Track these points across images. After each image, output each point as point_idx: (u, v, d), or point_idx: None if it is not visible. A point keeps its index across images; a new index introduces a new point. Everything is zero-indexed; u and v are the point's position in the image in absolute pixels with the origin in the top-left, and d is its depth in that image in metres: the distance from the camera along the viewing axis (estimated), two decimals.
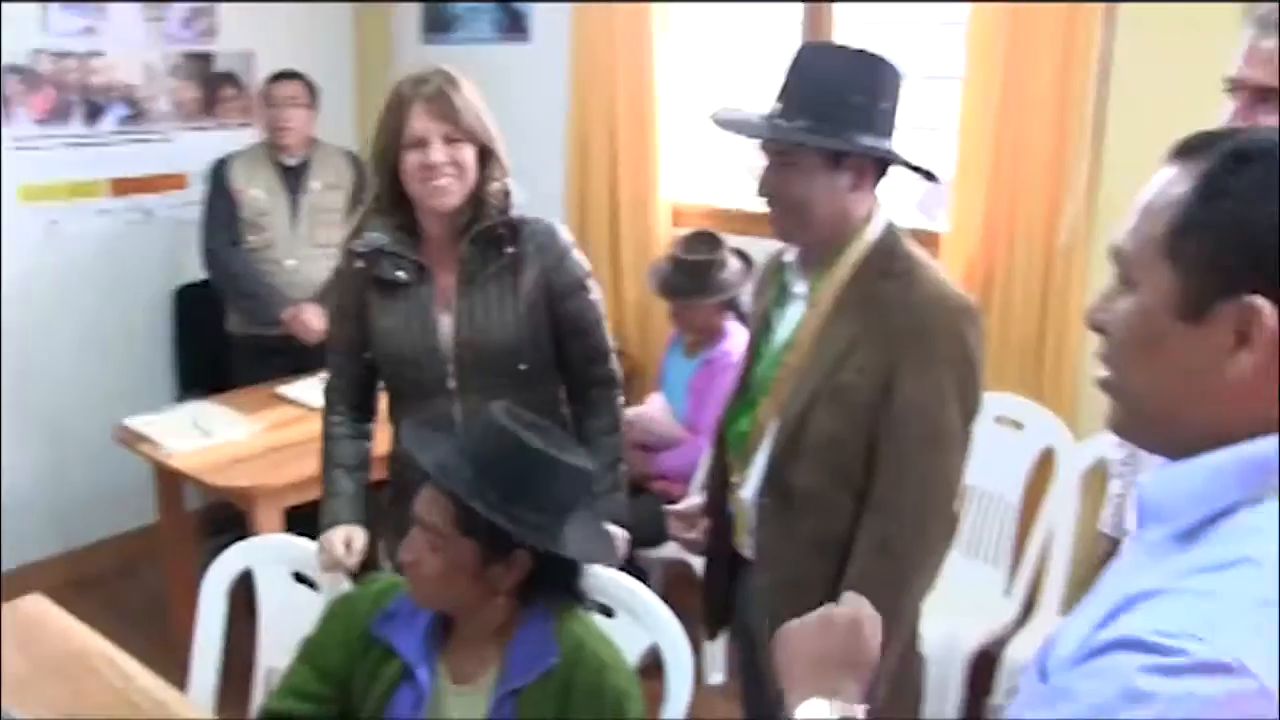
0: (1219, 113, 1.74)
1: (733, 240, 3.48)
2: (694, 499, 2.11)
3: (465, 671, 1.69)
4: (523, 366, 2.16)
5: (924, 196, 3.89)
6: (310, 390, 3.49)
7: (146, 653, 2.13)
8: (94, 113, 4.06)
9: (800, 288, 1.88)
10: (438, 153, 2.05)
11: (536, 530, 1.60)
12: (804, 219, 1.80)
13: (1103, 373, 1.01)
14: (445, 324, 2.15)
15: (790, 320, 1.89)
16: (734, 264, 3.43)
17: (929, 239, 3.32)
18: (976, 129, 3.06)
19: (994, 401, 3.03)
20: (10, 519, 3.87)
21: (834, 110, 1.72)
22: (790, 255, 1.93)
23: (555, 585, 1.69)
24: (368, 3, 4.71)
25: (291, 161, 3.80)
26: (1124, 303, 0.96)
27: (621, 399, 2.32)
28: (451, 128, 2.06)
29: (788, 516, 1.86)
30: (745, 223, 3.74)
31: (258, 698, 2.23)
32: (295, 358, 3.69)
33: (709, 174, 4.07)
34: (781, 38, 3.66)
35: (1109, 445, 2.32)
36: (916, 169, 1.81)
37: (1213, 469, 0.91)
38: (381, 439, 2.39)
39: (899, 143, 1.81)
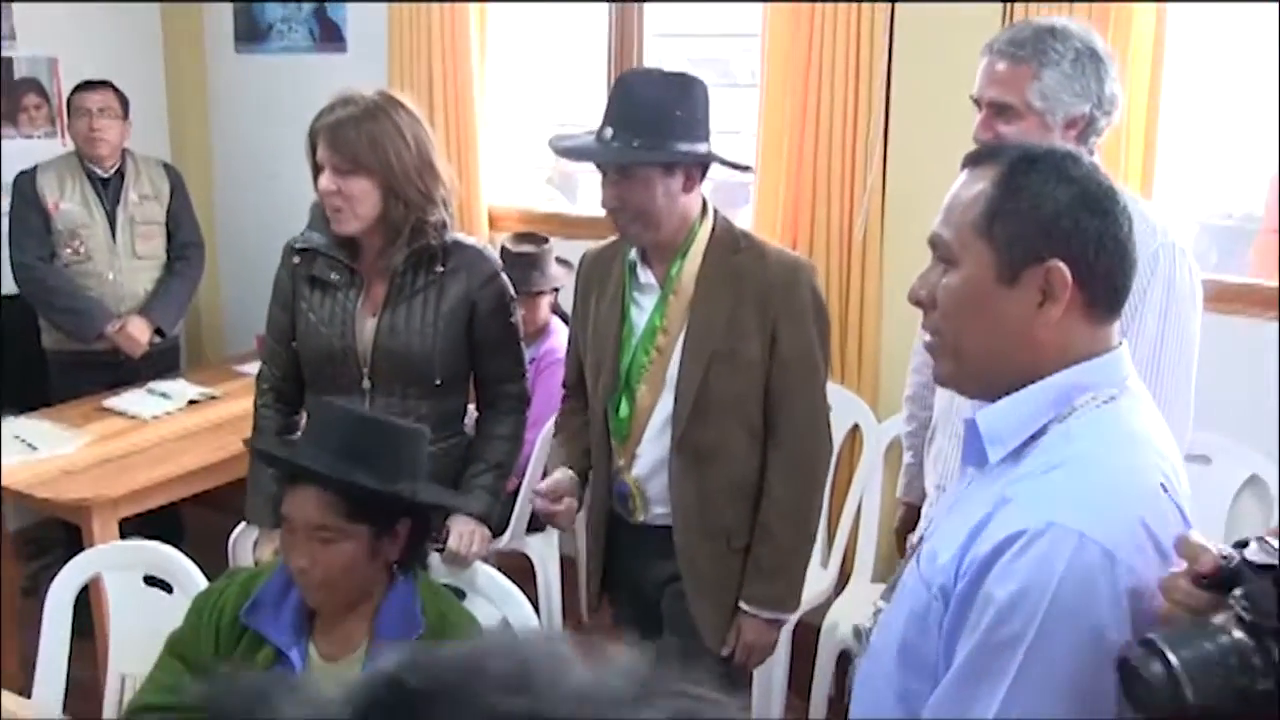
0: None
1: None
2: (555, 476, 2.25)
3: (335, 648, 1.79)
4: (437, 380, 2.29)
5: (718, 194, 4.14)
6: (139, 402, 3.48)
7: None
8: None
9: (649, 279, 2.12)
10: (325, 180, 2.17)
11: (411, 494, 1.74)
12: (649, 222, 2.03)
13: (930, 338, 1.28)
14: (367, 327, 2.27)
15: (646, 309, 2.13)
16: (557, 263, 3.58)
17: None
18: (776, 131, 3.29)
19: None
20: None
21: (660, 126, 1.98)
22: (633, 252, 2.14)
23: (418, 549, 1.82)
24: (176, 4, 4.64)
25: (104, 173, 3.73)
26: (948, 278, 1.23)
27: (526, 417, 2.47)
28: (340, 159, 2.15)
29: (699, 471, 2.11)
30: (560, 225, 3.94)
31: (110, 701, 2.25)
32: (118, 372, 3.66)
33: (522, 177, 4.21)
34: (590, 37, 3.85)
35: (901, 419, 2.58)
36: (734, 165, 2.14)
37: (1031, 399, 1.21)
38: None
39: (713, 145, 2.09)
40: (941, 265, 1.25)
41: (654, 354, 2.11)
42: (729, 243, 2.10)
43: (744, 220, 3.50)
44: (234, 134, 4.70)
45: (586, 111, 3.92)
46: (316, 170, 2.22)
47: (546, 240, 3.61)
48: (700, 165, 2.06)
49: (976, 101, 2.04)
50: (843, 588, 3.17)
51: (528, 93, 4.15)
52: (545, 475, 2.34)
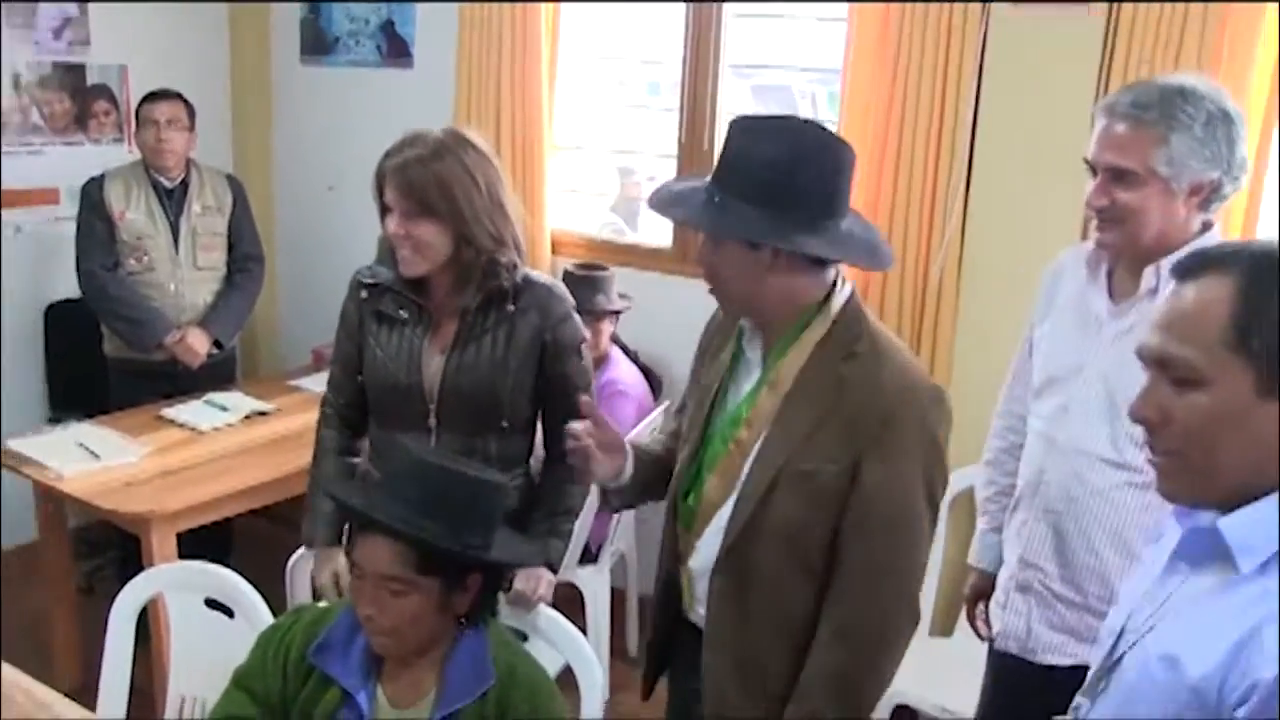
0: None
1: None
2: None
3: (403, 695, 1.75)
4: (504, 423, 2.24)
5: None
6: (197, 413, 3.49)
7: (28, 673, 2.10)
8: None
9: (755, 356, 1.82)
10: (394, 225, 2.13)
11: (485, 549, 1.70)
12: (729, 295, 1.76)
13: (1160, 458, 1.24)
14: (434, 365, 2.22)
15: (742, 390, 1.82)
16: (618, 297, 3.58)
17: None
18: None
19: None
20: None
21: (750, 187, 1.65)
22: (746, 321, 1.84)
23: (490, 602, 1.78)
24: (244, 14, 4.67)
25: (169, 183, 3.75)
26: (1195, 398, 1.18)
27: None
28: (409, 204, 2.11)
29: (743, 597, 1.79)
30: (622, 253, 3.91)
31: None
32: (176, 381, 3.68)
33: (587, 203, 4.19)
34: (663, 66, 3.82)
35: (979, 482, 2.47)
36: (835, 259, 1.73)
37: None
38: None
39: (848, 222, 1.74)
40: (1172, 383, 1.20)
41: (732, 446, 1.79)
42: (845, 344, 1.72)
43: None
44: (297, 146, 4.72)
45: (653, 139, 3.92)
46: (384, 210, 2.18)
47: (607, 269, 3.61)
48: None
49: (1090, 165, 1.94)
50: None
51: (596, 114, 4.13)
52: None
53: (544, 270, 3.96)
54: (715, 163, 1.72)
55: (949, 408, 1.75)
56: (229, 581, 2.19)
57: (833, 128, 3.19)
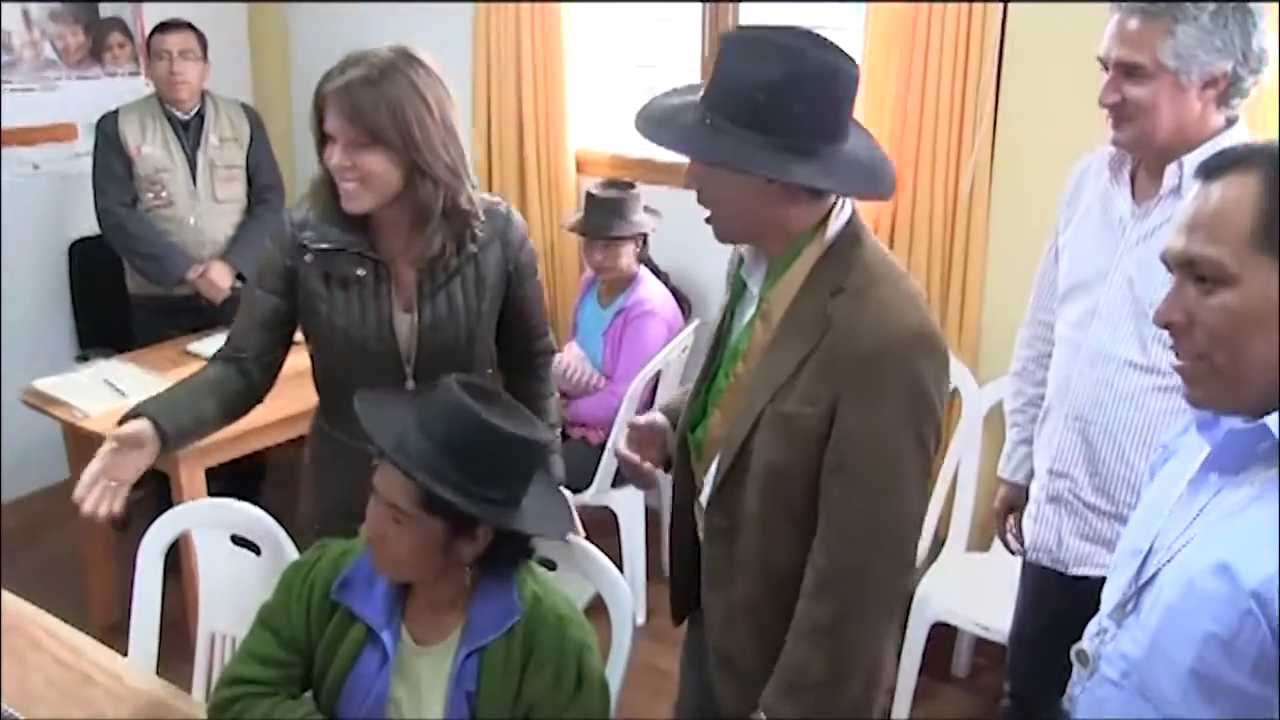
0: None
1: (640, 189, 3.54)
2: (649, 416, 1.93)
3: (428, 632, 1.73)
4: (478, 360, 2.13)
5: None
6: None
7: (62, 613, 2.12)
8: None
9: (754, 287, 1.72)
10: (336, 155, 1.90)
11: (500, 507, 1.64)
12: (723, 220, 1.65)
13: (1186, 362, 1.20)
14: (404, 323, 2.04)
15: (743, 322, 1.74)
16: (644, 211, 3.50)
17: None
18: (880, 76, 3.14)
19: None
20: None
21: (741, 111, 1.53)
22: (745, 248, 1.74)
23: (513, 550, 1.73)
24: None
25: (184, 116, 3.69)
26: (1221, 299, 1.15)
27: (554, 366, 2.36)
28: (356, 131, 1.88)
29: (732, 539, 1.73)
30: (650, 170, 3.80)
31: (200, 660, 2.25)
32: (200, 316, 3.66)
33: (612, 121, 4.10)
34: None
35: (1007, 394, 2.43)
36: (823, 190, 1.60)
37: None
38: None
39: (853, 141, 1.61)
40: (1197, 284, 1.17)
41: (732, 381, 1.72)
42: (835, 277, 1.60)
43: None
44: (314, 75, 4.61)
45: (678, 52, 3.80)
46: (322, 141, 1.94)
47: (633, 186, 3.53)
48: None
49: (1103, 62, 1.90)
50: (936, 556, 3.08)
51: (619, 30, 4.01)
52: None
53: (569, 191, 3.91)
54: (708, 80, 1.60)
55: (941, 350, 1.62)
56: (253, 518, 2.17)
57: (859, 39, 3.15)
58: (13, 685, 1.89)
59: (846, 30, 3.27)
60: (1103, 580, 1.41)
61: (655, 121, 1.65)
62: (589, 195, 3.50)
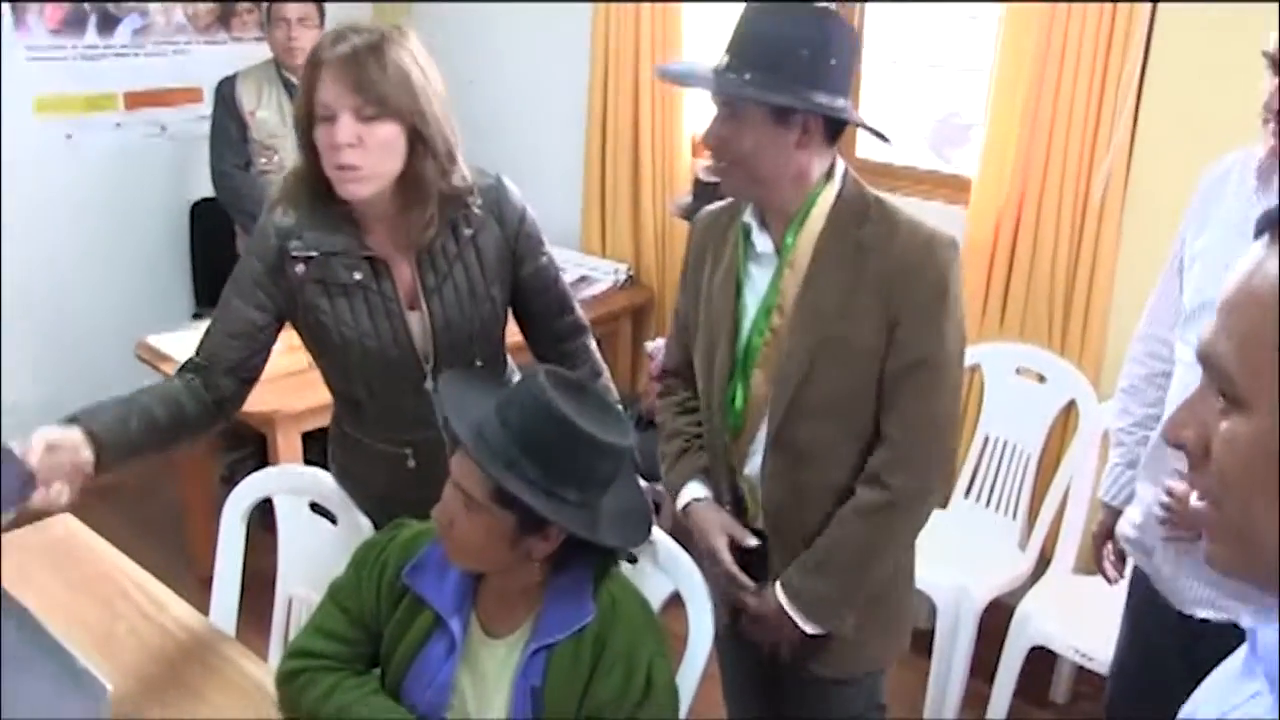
0: (1260, 84, 1.72)
1: None
2: (713, 520, 1.95)
3: (497, 624, 1.68)
4: (489, 348, 2.03)
5: (936, 135, 3.84)
6: None
7: (166, 561, 2.15)
8: (108, 24, 3.99)
9: (765, 247, 1.81)
10: (343, 131, 1.75)
11: (576, 510, 1.56)
12: (750, 173, 1.74)
13: (1199, 502, 0.83)
14: (415, 323, 1.94)
15: (761, 281, 1.83)
16: None
17: (955, 183, 3.28)
18: (1013, 70, 2.99)
19: (1017, 352, 3.02)
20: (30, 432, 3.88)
21: (781, 65, 1.66)
22: (748, 213, 1.83)
23: (588, 552, 1.65)
24: None
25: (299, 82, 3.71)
26: (1234, 426, 0.77)
27: (594, 343, 2.19)
28: (363, 101, 1.75)
29: (796, 474, 1.83)
30: None
31: (277, 623, 2.25)
32: None
33: None
34: None
35: (1113, 411, 2.24)
36: (868, 129, 1.77)
37: None
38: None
39: (855, 102, 1.80)
40: (1220, 397, 0.79)
41: (769, 335, 1.80)
42: (857, 211, 1.76)
43: (964, 164, 3.24)
44: (435, 40, 4.61)
45: None
46: (309, 122, 1.79)
47: None
48: (827, 120, 1.71)
49: (1270, 58, 1.69)
50: (1039, 575, 2.94)
51: (737, 10, 3.92)
52: (670, 479, 2.02)
53: (683, 174, 3.84)
54: (731, 41, 1.73)
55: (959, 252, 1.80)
56: (330, 487, 2.15)
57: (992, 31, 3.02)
58: (100, 630, 1.92)
59: (980, 19, 3.13)
60: (1219, 625, 1.28)
61: (678, 74, 1.83)
62: (696, 180, 3.43)
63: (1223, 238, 1.89)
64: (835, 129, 1.74)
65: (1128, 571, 2.10)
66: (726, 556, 1.90)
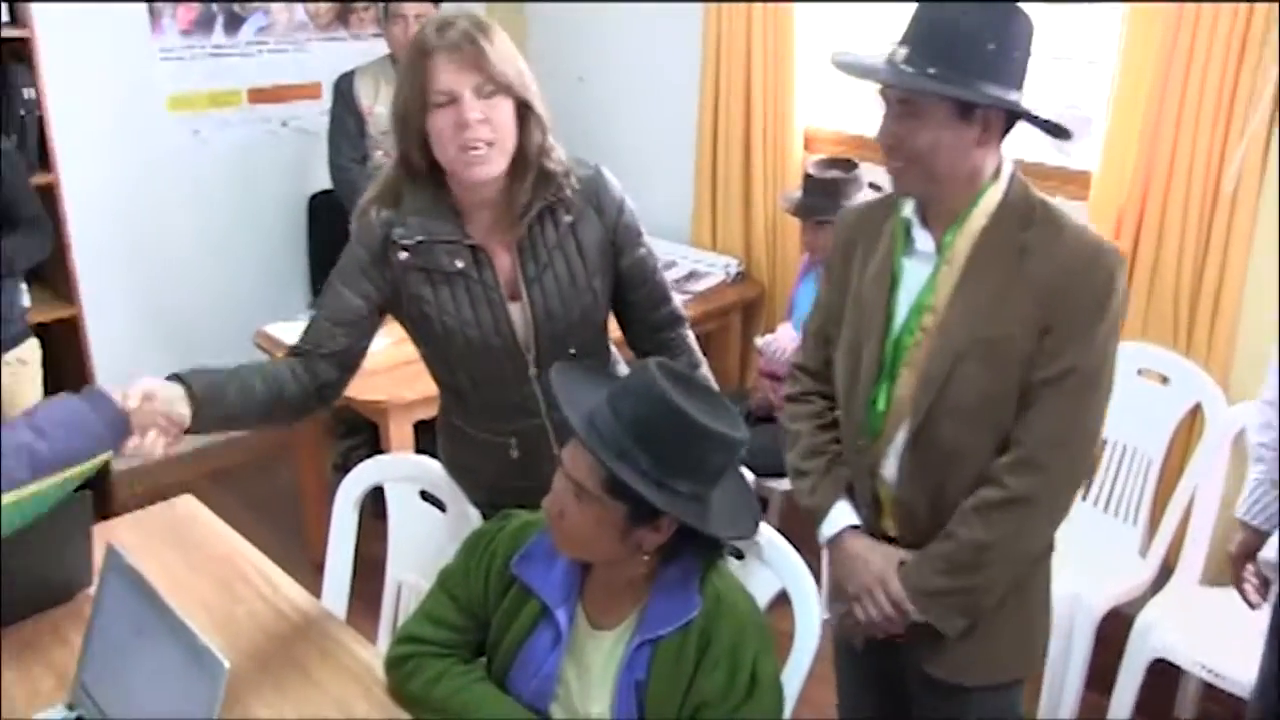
0: None
1: (867, 168, 3.38)
2: (862, 555, 1.88)
3: (604, 616, 1.68)
4: (590, 338, 2.04)
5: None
6: None
7: (280, 544, 2.19)
8: (234, 23, 4.11)
9: (925, 244, 1.77)
10: (471, 109, 1.79)
11: (687, 501, 1.55)
12: (928, 171, 1.69)
13: None
14: (517, 313, 1.95)
15: (917, 279, 1.78)
16: (869, 188, 3.35)
17: (1075, 178, 3.19)
18: (1138, 61, 2.88)
19: (1139, 352, 2.92)
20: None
21: (964, 58, 1.61)
22: (908, 209, 1.80)
23: (697, 545, 1.64)
24: None
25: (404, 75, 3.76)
26: None
27: (691, 334, 2.19)
28: (484, 79, 1.79)
29: (934, 477, 1.79)
30: (877, 150, 3.64)
31: (386, 609, 2.30)
32: None
33: (842, 98, 3.96)
34: None
35: (1254, 423, 2.15)
36: (1048, 125, 1.69)
37: None
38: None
39: (1030, 93, 1.70)
40: None
41: (919, 335, 1.76)
42: (1022, 213, 1.72)
43: (1085, 157, 3.14)
44: (550, 71, 4.65)
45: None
46: (421, 107, 1.81)
47: (855, 165, 3.38)
48: (1004, 116, 1.68)
49: None
50: (1161, 585, 2.83)
51: (855, 13, 3.87)
52: (815, 500, 1.96)
53: (794, 169, 3.80)
54: (909, 32, 1.67)
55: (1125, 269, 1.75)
56: (440, 476, 2.18)
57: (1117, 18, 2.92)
58: (220, 613, 1.98)
59: (1104, 10, 3.03)
60: None
61: (856, 66, 1.74)
62: (806, 175, 3.38)
63: None
64: (1010, 125, 1.70)
65: (1272, 595, 2.00)
66: (888, 606, 1.82)
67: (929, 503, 1.81)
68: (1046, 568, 1.93)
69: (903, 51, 1.65)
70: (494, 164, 1.84)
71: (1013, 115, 1.68)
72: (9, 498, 1.50)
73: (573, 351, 1.99)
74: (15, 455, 1.51)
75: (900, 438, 1.80)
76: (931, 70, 1.61)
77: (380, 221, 1.93)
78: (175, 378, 1.79)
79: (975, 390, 1.72)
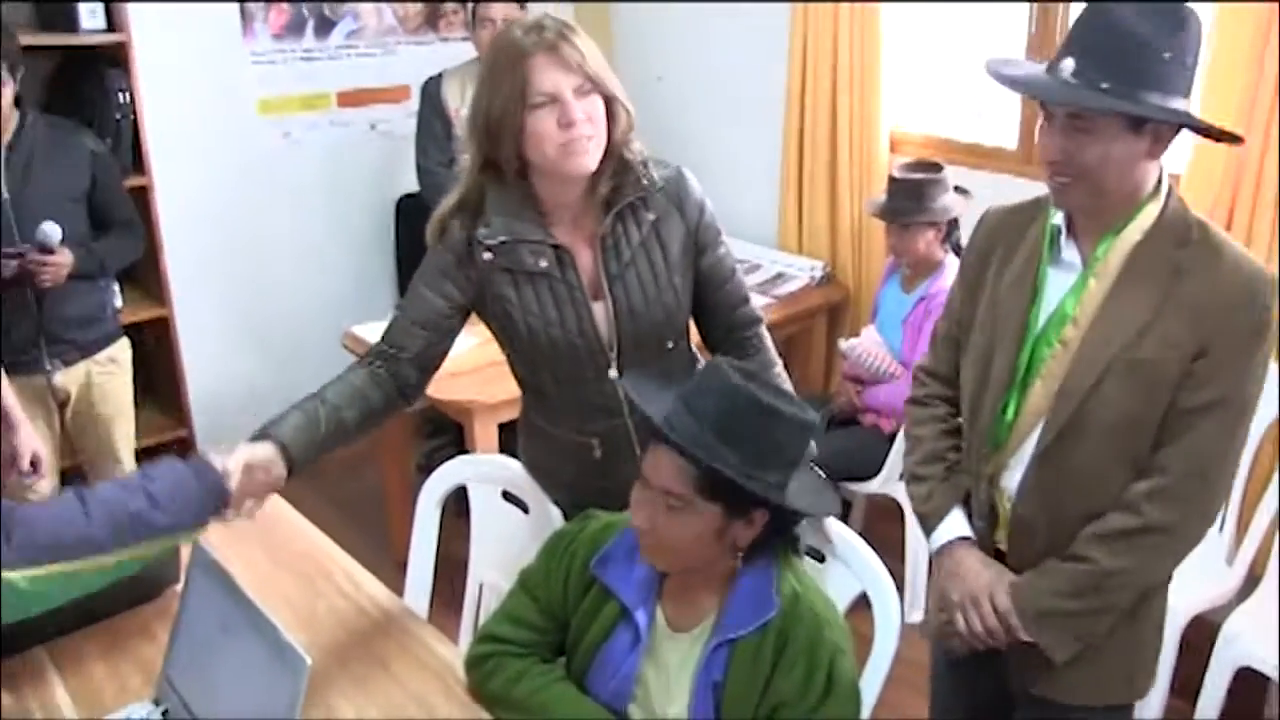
0: None
1: (952, 171, 3.36)
2: (971, 569, 1.85)
3: (682, 617, 1.68)
4: (674, 342, 2.04)
5: None
6: None
7: (364, 543, 2.22)
8: (324, 27, 4.20)
9: (1071, 254, 1.73)
10: (574, 108, 1.82)
11: (776, 489, 1.57)
12: (1097, 187, 1.63)
13: None
14: (600, 312, 1.96)
15: (1058, 289, 1.74)
16: (954, 191, 3.31)
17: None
18: (1228, 59, 2.80)
19: None
20: (246, 415, 4.11)
21: (1138, 69, 1.54)
22: (1057, 216, 1.75)
23: (781, 537, 1.66)
24: None
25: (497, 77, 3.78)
26: None
27: (768, 334, 2.18)
28: (582, 79, 1.83)
29: (1058, 495, 1.75)
30: (965, 154, 3.66)
31: (468, 607, 2.32)
32: None
33: (930, 101, 3.92)
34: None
35: None
36: (1222, 135, 1.65)
37: None
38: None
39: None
40: None
41: (1058, 347, 1.72)
42: (1179, 231, 1.66)
43: (1171, 161, 3.06)
44: (636, 71, 4.64)
45: (1006, 30, 3.57)
46: (521, 108, 1.82)
47: (940, 168, 3.34)
48: (1174, 126, 1.61)
49: None
50: (1250, 592, 2.76)
51: (942, 7, 3.82)
52: (931, 505, 1.93)
53: (880, 172, 3.76)
54: (1076, 41, 1.61)
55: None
56: (522, 477, 2.20)
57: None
58: (303, 609, 2.01)
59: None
60: None
61: (1020, 80, 1.68)
62: (891, 178, 3.36)
63: None
64: (1177, 133, 1.64)
65: None
66: (992, 619, 1.80)
67: (1048, 520, 1.77)
68: (1164, 593, 1.88)
69: (1070, 63, 1.59)
70: (593, 157, 1.87)
71: (1179, 125, 1.62)
72: (115, 558, 1.57)
73: (659, 352, 2.00)
74: (130, 521, 1.58)
75: (1027, 451, 1.77)
76: (1104, 85, 1.55)
77: (464, 224, 1.95)
78: (264, 435, 1.81)
79: (1116, 410, 1.67)
